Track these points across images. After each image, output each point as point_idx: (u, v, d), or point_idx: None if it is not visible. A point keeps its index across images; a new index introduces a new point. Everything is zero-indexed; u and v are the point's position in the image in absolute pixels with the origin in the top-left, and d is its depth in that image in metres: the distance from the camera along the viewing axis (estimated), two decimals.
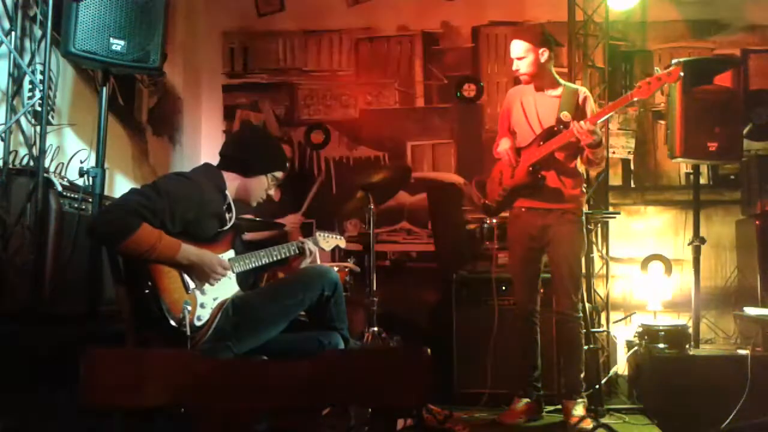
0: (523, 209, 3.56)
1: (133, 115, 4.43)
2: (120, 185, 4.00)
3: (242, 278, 2.79)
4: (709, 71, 4.05)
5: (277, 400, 1.30)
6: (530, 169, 3.45)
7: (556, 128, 3.42)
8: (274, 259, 2.87)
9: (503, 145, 3.57)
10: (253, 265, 2.80)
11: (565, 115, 3.42)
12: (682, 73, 3.16)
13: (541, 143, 3.42)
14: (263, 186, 2.87)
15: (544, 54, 3.47)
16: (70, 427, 2.48)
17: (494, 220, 3.97)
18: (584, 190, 3.65)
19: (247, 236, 3.01)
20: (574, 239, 3.48)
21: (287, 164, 3.00)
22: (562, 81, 3.59)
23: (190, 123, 5.19)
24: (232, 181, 2.81)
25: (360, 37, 5.30)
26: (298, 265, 2.97)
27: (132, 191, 2.58)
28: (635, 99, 3.22)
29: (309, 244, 2.99)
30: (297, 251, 2.96)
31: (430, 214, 4.96)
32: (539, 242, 3.53)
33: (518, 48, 3.49)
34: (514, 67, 3.55)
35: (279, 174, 2.91)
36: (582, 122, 3.26)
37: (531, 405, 3.59)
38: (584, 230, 3.57)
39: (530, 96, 3.58)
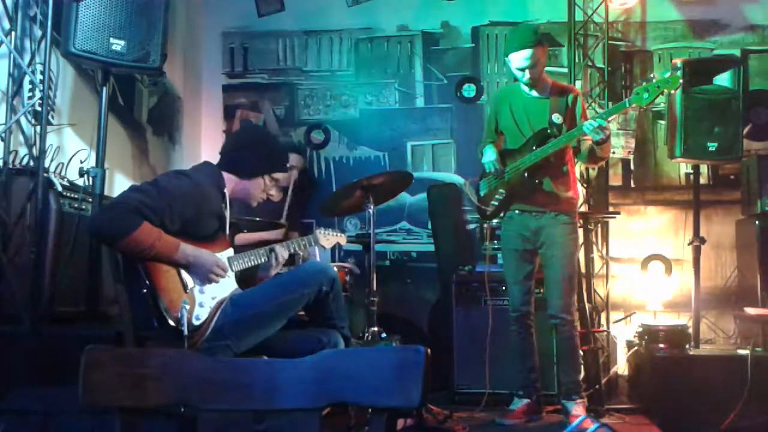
0: (517, 212, 3.56)
1: (133, 115, 4.43)
2: (120, 185, 3.99)
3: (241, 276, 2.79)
4: (709, 71, 4.05)
5: (277, 400, 1.30)
6: (526, 174, 3.44)
7: (548, 131, 3.40)
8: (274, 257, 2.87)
9: (488, 156, 3.53)
10: (253, 263, 2.80)
11: (557, 118, 3.41)
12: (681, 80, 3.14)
13: (535, 147, 3.41)
14: (261, 187, 2.87)
15: (545, 54, 3.45)
16: (71, 427, 2.48)
17: (494, 221, 3.97)
18: (579, 192, 3.64)
19: (239, 240, 2.99)
20: (568, 241, 3.47)
21: (287, 165, 3.00)
22: (550, 80, 3.57)
23: (190, 123, 5.19)
24: (230, 182, 2.81)
25: (360, 37, 5.30)
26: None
27: (132, 189, 2.58)
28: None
29: (303, 244, 2.98)
30: (297, 248, 2.96)
31: (430, 214, 4.96)
32: (533, 244, 3.52)
33: (525, 57, 3.35)
34: (524, 78, 3.42)
35: (278, 175, 2.90)
36: (593, 120, 3.23)
37: (531, 405, 3.59)
38: (577, 232, 3.56)
39: (518, 98, 3.56)
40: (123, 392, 1.30)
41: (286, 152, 3.10)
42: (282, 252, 2.88)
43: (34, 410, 2.57)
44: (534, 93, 3.51)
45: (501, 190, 3.55)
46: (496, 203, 3.58)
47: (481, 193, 3.69)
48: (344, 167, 5.23)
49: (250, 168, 2.83)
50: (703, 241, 4.17)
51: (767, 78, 4.87)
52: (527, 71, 3.40)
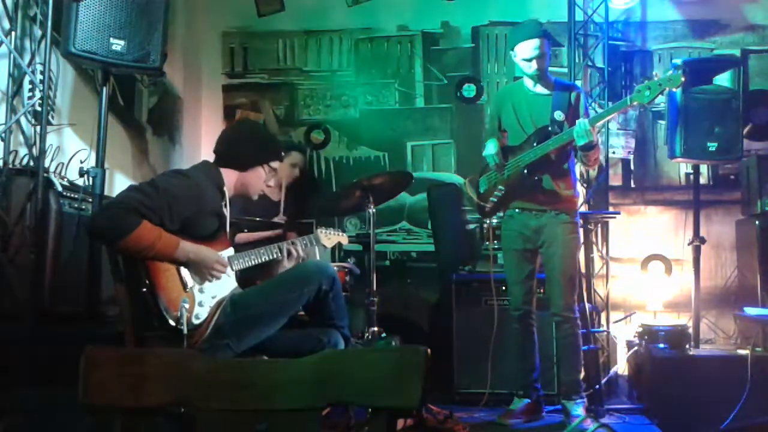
0: (517, 210, 3.55)
1: (133, 115, 4.43)
2: (120, 185, 3.99)
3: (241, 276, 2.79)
4: (709, 71, 4.05)
5: (277, 400, 1.29)
6: (525, 171, 3.43)
7: (550, 128, 3.40)
8: (274, 256, 2.88)
9: (489, 150, 3.52)
10: (253, 262, 2.81)
11: (559, 115, 3.41)
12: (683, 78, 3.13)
13: (536, 144, 3.40)
14: (261, 178, 2.88)
15: (549, 47, 3.45)
16: (70, 427, 2.48)
17: (494, 220, 3.96)
18: (578, 191, 3.64)
19: (239, 239, 3.00)
20: (569, 240, 3.47)
21: (282, 153, 3.04)
22: (553, 78, 3.57)
23: (190, 123, 5.18)
24: (230, 178, 2.81)
25: (360, 37, 5.30)
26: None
27: (131, 188, 2.58)
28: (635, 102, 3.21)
29: (299, 246, 2.98)
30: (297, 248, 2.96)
31: (430, 214, 4.96)
32: (533, 243, 3.51)
33: (534, 46, 3.35)
34: (530, 70, 3.41)
35: (275, 164, 2.92)
36: (583, 121, 3.22)
37: (531, 405, 3.58)
38: (578, 231, 3.55)
39: (521, 95, 3.55)
40: (123, 392, 1.30)
41: (279, 142, 3.12)
42: (298, 248, 2.90)
43: (34, 410, 2.57)
44: (537, 89, 3.50)
45: (500, 187, 3.54)
46: (495, 200, 3.57)
47: (481, 190, 3.68)
48: (344, 167, 5.24)
49: (248, 159, 2.84)
50: (703, 241, 4.17)
51: (767, 78, 4.87)
52: (535, 61, 3.39)
